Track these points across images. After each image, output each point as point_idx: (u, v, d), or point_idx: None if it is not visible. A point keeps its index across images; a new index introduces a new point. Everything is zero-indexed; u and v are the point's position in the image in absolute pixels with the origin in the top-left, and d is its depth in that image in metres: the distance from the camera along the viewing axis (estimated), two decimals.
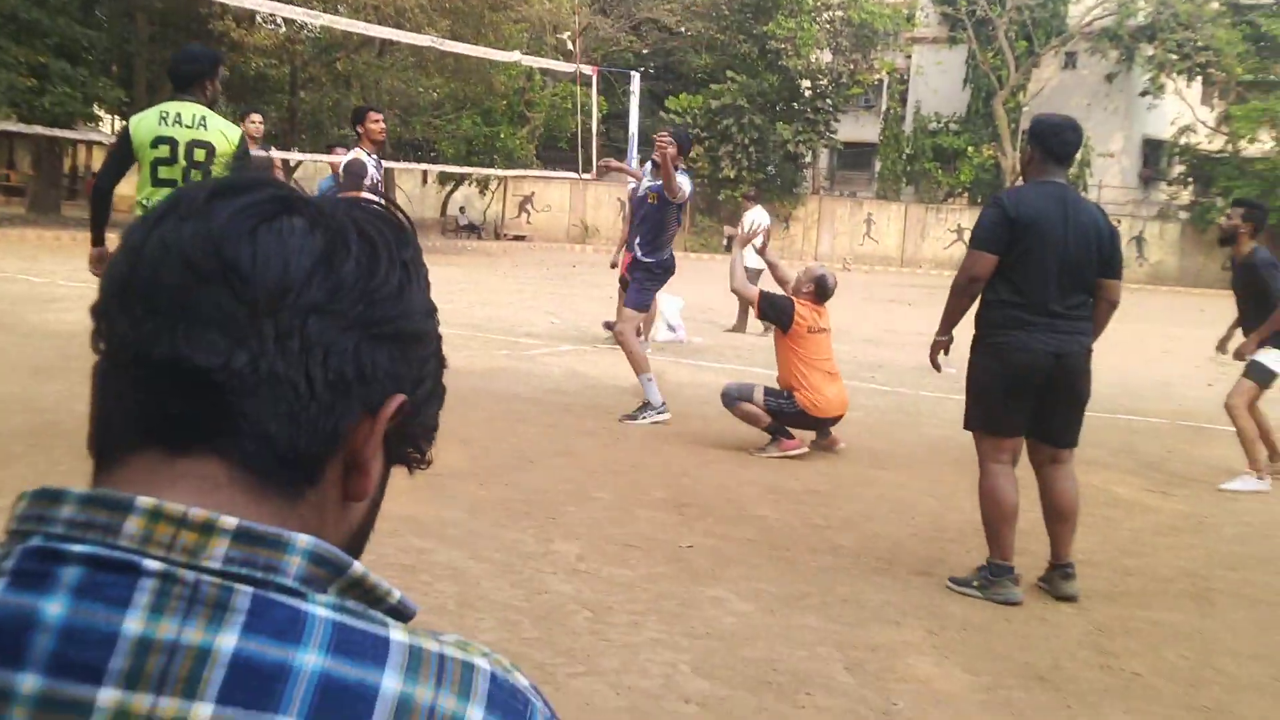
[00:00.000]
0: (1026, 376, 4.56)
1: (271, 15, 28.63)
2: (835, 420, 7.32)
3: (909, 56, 41.40)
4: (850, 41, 37.77)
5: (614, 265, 12.38)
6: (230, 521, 0.66)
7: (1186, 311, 24.89)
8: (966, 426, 4.87)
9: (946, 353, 5.18)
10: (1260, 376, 7.33)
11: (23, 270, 15.59)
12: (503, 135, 34.55)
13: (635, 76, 14.96)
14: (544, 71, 32.53)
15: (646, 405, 7.95)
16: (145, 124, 5.70)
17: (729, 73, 36.38)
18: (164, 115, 5.71)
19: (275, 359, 0.69)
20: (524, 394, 8.77)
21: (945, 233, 37.25)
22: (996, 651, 4.03)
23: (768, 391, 7.25)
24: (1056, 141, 4.68)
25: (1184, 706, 3.67)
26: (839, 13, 37.36)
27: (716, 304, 15.80)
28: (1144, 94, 37.36)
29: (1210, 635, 4.38)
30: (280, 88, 32.60)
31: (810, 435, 7.29)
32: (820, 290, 7.40)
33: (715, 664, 3.71)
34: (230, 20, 26.91)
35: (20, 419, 6.66)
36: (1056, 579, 4.71)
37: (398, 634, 0.68)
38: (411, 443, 0.81)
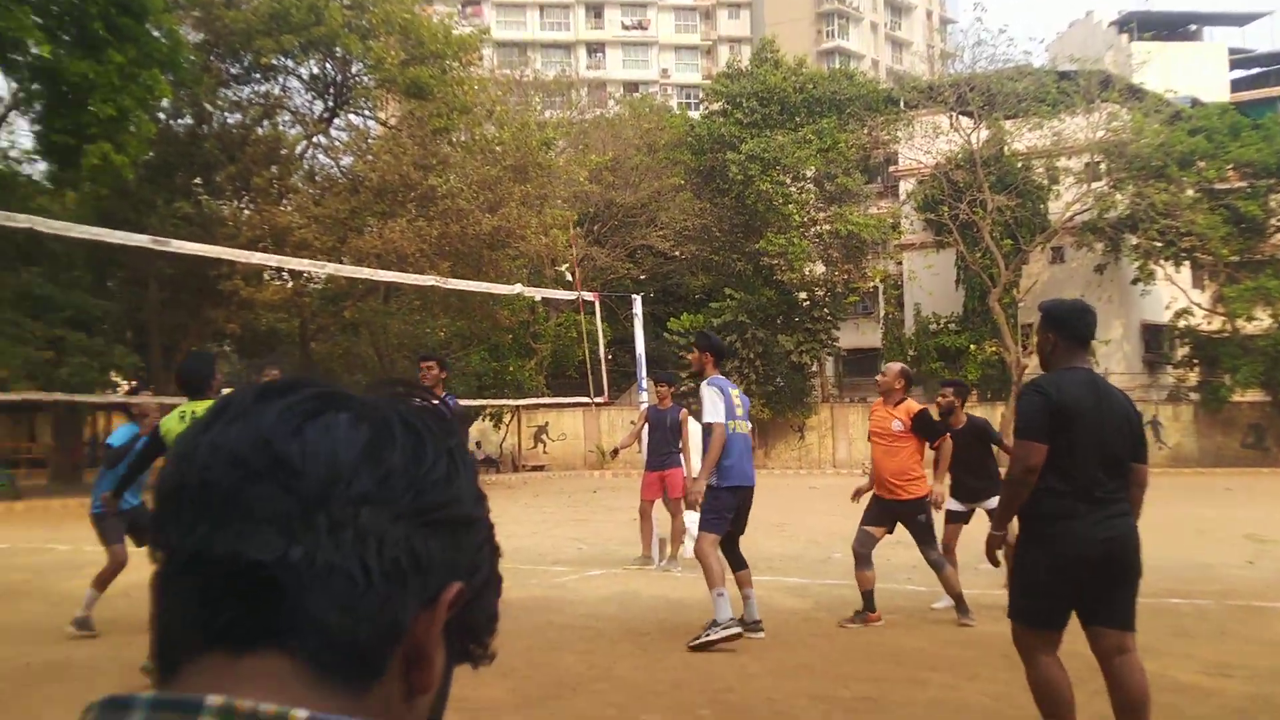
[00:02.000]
0: (1078, 568, 4.42)
1: (278, 271, 29.59)
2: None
3: (899, 263, 42.39)
4: (841, 252, 38.77)
5: (616, 453, 12.77)
6: (302, 714, 0.66)
7: (1212, 492, 24.62)
8: (1013, 618, 4.66)
9: (1000, 547, 5.03)
10: None
11: (49, 539, 15.59)
12: (511, 368, 35.10)
13: (637, 299, 15.23)
14: (547, 303, 33.30)
15: (713, 623, 7.55)
16: (170, 424, 6.68)
17: (727, 290, 37.22)
18: (183, 415, 6.68)
19: (330, 550, 0.70)
20: (559, 621, 8.62)
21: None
22: None
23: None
24: (1080, 325, 4.64)
25: None
26: (826, 227, 38.47)
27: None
28: (1135, 281, 38.01)
29: None
30: (292, 340, 33.35)
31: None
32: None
33: None
34: (239, 279, 27.71)
35: (54, 688, 6.61)
36: None
37: None
38: (472, 634, 0.80)
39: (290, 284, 31.08)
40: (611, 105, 45.53)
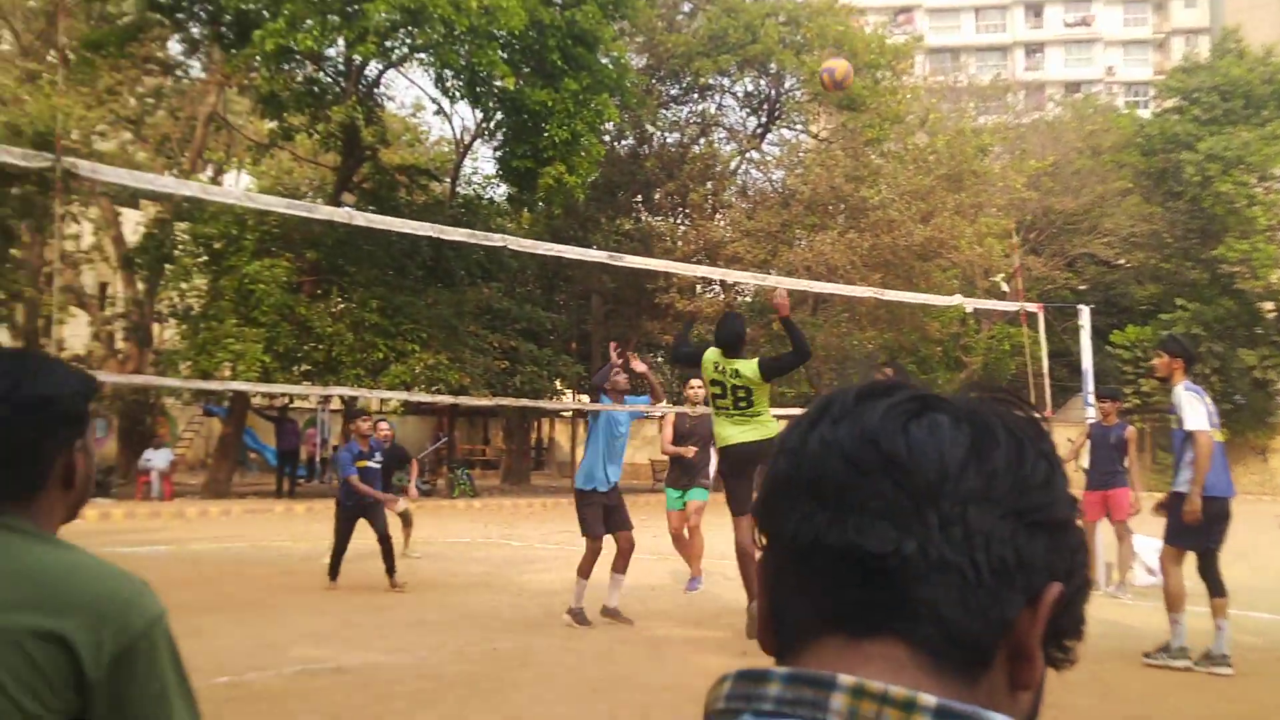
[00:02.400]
0: None
1: (711, 283, 30.62)
2: None
3: None
4: None
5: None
6: (930, 699, 0.68)
7: None
8: None
9: None
10: None
11: (504, 535, 16.91)
12: (940, 381, 34.34)
13: (1084, 310, 14.41)
14: (978, 315, 32.32)
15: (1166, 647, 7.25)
16: (710, 357, 8.38)
17: (1178, 300, 34.60)
18: (715, 364, 8.30)
19: (942, 545, 0.72)
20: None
21: None
22: None
23: None
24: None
25: None
26: None
27: None
28: None
29: None
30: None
31: None
32: None
33: None
34: (674, 292, 28.90)
35: (519, 672, 7.09)
36: None
37: None
38: (1060, 637, 0.79)
39: (722, 296, 32.05)
40: (1051, 107, 43.50)
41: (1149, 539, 11.80)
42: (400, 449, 13.54)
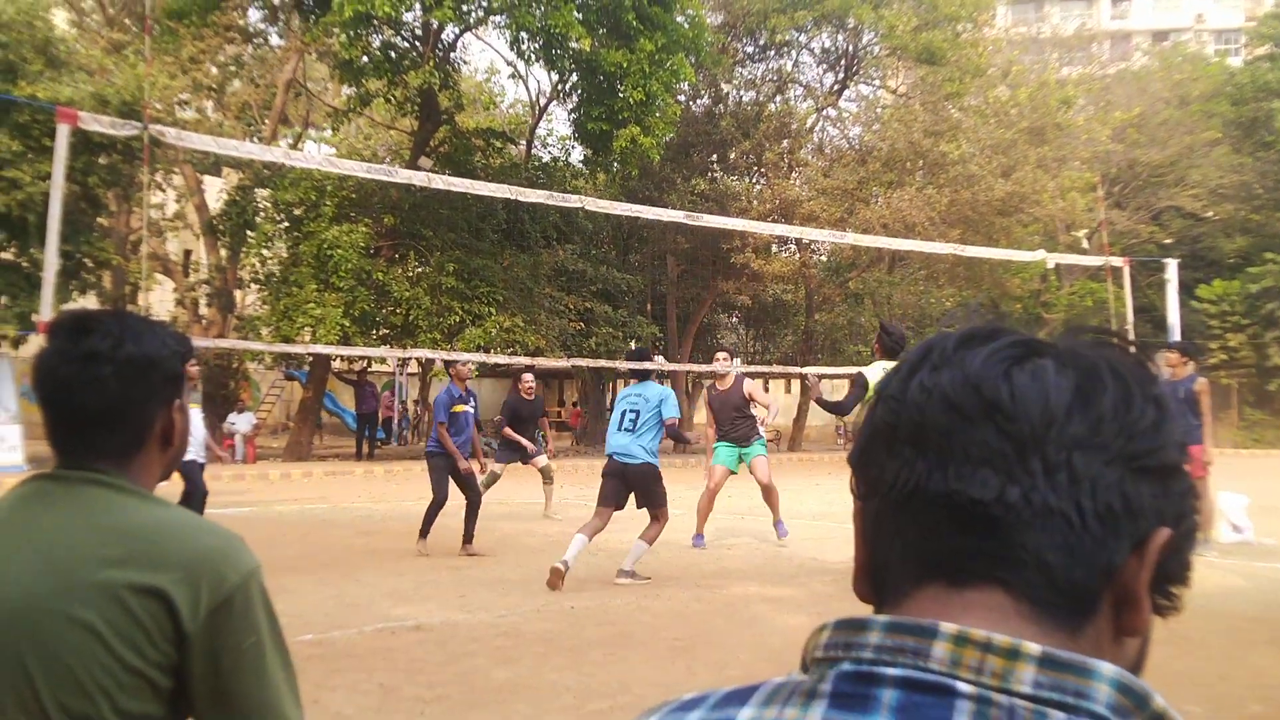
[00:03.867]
0: None
1: (786, 242, 30.41)
2: None
3: None
4: None
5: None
6: (1034, 648, 0.68)
7: None
8: None
9: None
10: None
11: (579, 497, 17.02)
12: None
13: (1171, 264, 14.08)
14: (1059, 271, 31.75)
15: None
16: (874, 377, 8.19)
17: (1267, 254, 33.65)
18: (885, 370, 7.49)
19: (1046, 492, 0.71)
20: None
21: None
22: None
23: None
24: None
25: None
26: None
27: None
28: None
29: None
30: (797, 311, 34.19)
31: None
32: None
33: None
34: (750, 252, 28.78)
35: (596, 630, 7.16)
36: None
37: None
38: (1166, 584, 0.78)
39: (798, 256, 31.84)
40: (1138, 56, 42.35)
41: (1234, 495, 11.59)
42: (539, 401, 13.86)
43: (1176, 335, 13.62)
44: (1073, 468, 0.71)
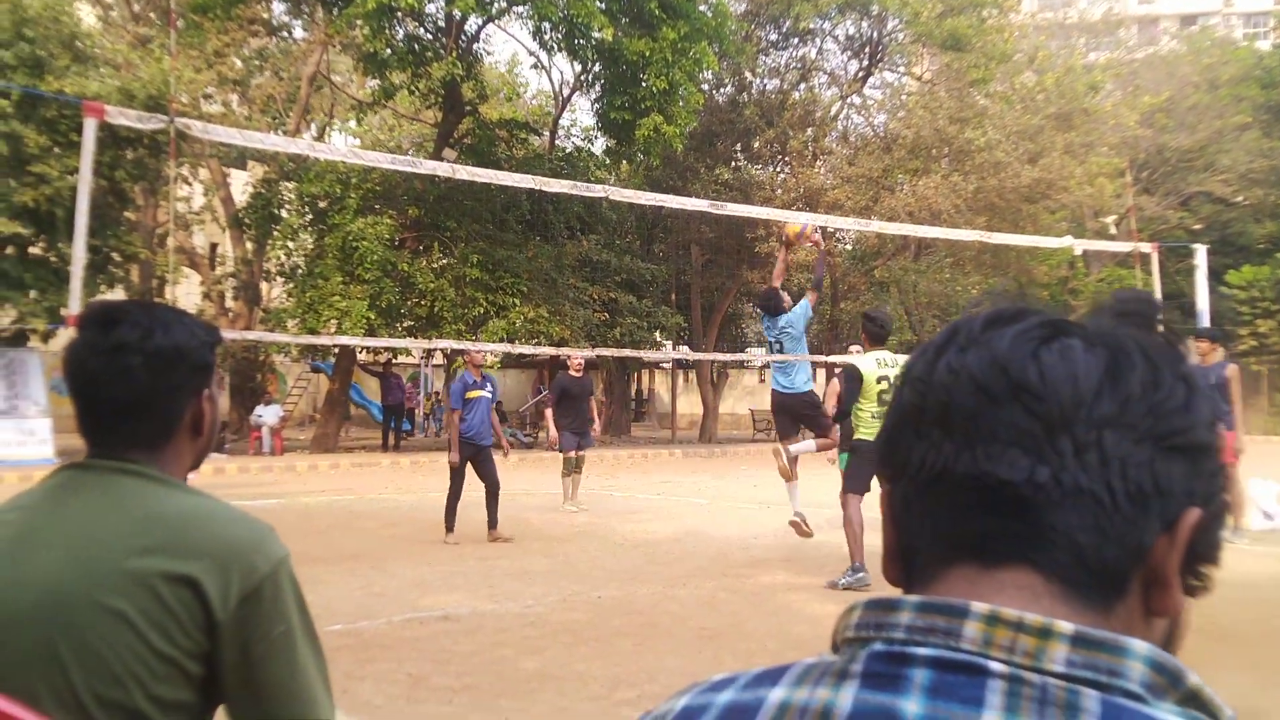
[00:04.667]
0: None
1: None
2: None
3: None
4: None
5: None
6: (1067, 627, 0.68)
7: None
8: None
9: None
10: None
11: (605, 486, 17.08)
12: None
13: (1200, 250, 13.96)
14: (1086, 258, 31.54)
15: None
16: (868, 368, 8.35)
17: None
18: (878, 360, 8.39)
19: (1076, 472, 0.71)
20: None
21: None
22: None
23: None
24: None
25: None
26: None
27: None
28: None
29: None
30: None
31: None
32: None
33: None
34: (774, 241, 28.68)
35: (622, 619, 7.17)
36: None
37: None
38: (1196, 564, 0.77)
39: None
40: (1165, 41, 42.00)
41: (1265, 482, 11.52)
42: (588, 380, 13.99)
43: (1205, 322, 13.50)
44: (1103, 448, 0.72)
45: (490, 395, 11.29)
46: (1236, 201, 36.53)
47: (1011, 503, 0.72)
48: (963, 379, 0.75)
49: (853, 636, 0.74)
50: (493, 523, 10.87)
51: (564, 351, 20.54)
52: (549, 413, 14.15)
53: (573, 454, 13.74)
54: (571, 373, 13.97)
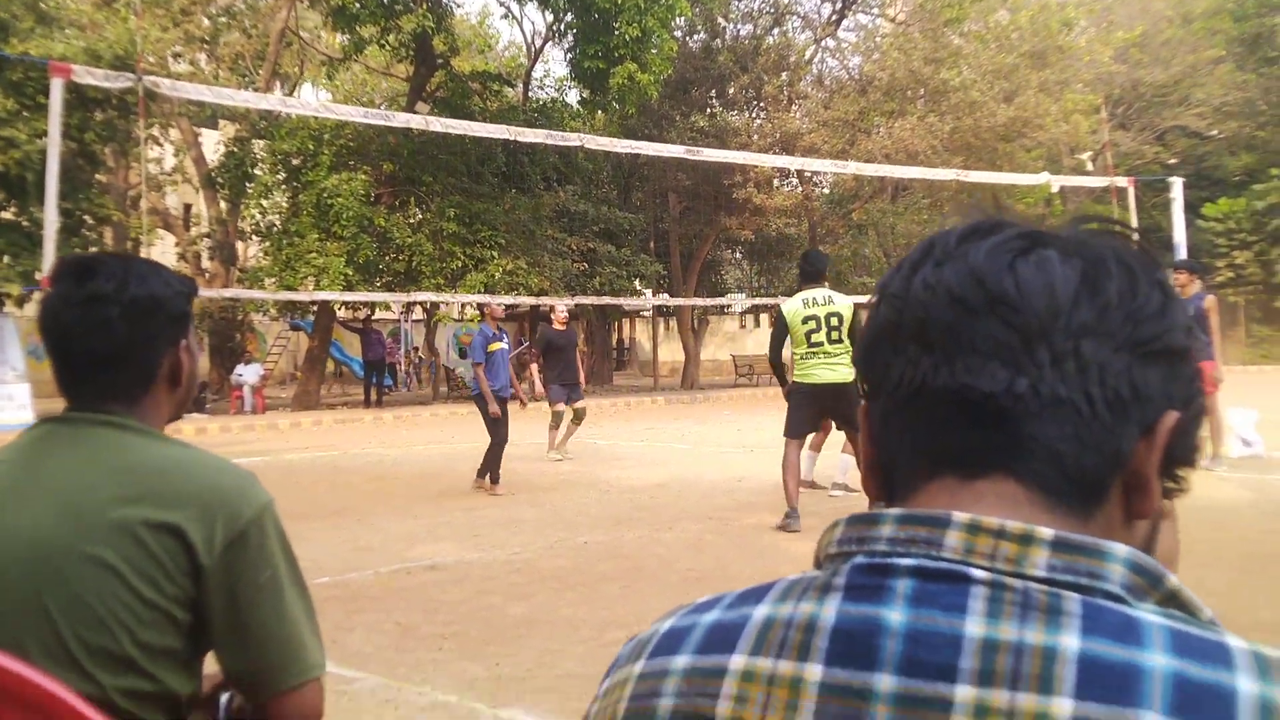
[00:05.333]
0: None
1: (788, 175, 30.23)
2: None
3: None
4: None
5: None
6: (1047, 532, 0.69)
7: None
8: None
9: None
10: None
11: (589, 435, 17.12)
12: None
13: (1176, 183, 14.01)
14: (1065, 195, 31.56)
15: None
16: (791, 308, 8.08)
17: (1273, 170, 33.41)
18: (805, 300, 8.08)
19: (1055, 382, 0.72)
20: None
21: None
22: None
23: None
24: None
25: None
26: None
27: None
28: None
29: None
30: (800, 244, 34.08)
31: None
32: None
33: None
34: (751, 186, 28.62)
35: (609, 564, 7.23)
36: None
37: (1233, 640, 0.68)
38: (1179, 464, 0.79)
39: (800, 189, 31.66)
40: None
41: (1243, 410, 11.65)
42: (572, 332, 13.97)
43: (1183, 254, 13.57)
44: (1080, 356, 0.72)
45: (507, 347, 11.35)
46: (1212, 135, 36.56)
47: (991, 414, 0.73)
48: (939, 293, 0.75)
49: (835, 552, 0.75)
50: (494, 477, 10.90)
51: (545, 301, 20.54)
52: (534, 366, 14.10)
53: (561, 406, 13.75)
54: (556, 325, 13.91)
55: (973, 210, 0.82)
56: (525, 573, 7.01)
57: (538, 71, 32.34)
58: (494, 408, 10.82)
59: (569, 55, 25.55)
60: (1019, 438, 0.72)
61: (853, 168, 17.05)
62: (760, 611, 0.74)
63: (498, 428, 10.86)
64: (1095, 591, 0.68)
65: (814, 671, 0.69)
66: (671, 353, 37.36)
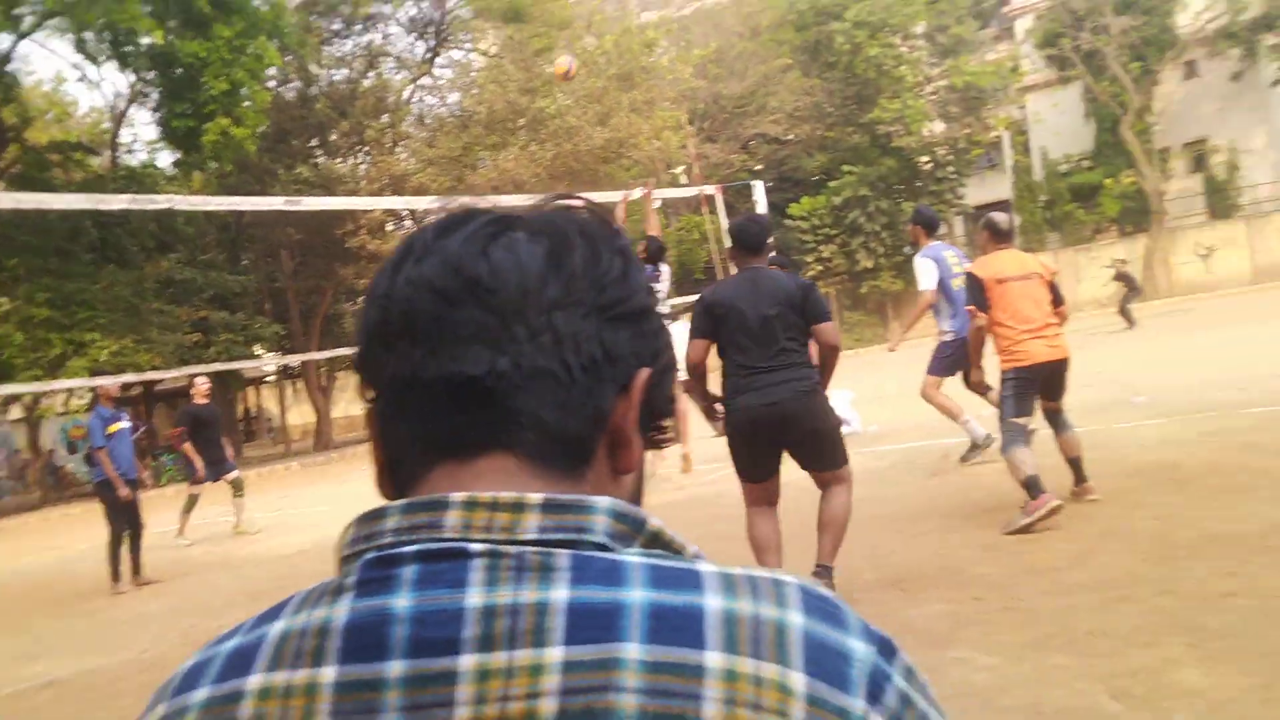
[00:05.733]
0: (752, 431, 5.32)
1: (400, 218, 30.07)
2: (1053, 369, 6.68)
3: (1022, 107, 40.92)
4: (960, 107, 37.57)
5: None
6: (536, 497, 0.73)
7: None
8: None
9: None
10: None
11: (220, 513, 16.31)
12: None
13: (758, 185, 15.05)
14: (667, 209, 33.14)
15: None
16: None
17: (845, 167, 36.46)
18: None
19: (534, 356, 0.76)
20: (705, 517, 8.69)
21: (1101, 270, 36.03)
22: (1266, 650, 3.72)
23: (1002, 409, 6.77)
24: (744, 236, 5.48)
25: None
26: (942, 82, 37.30)
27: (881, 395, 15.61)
28: (1276, 84, 35.95)
29: None
30: None
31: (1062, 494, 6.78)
32: (992, 231, 7.04)
33: (974, 719, 3.53)
34: (364, 234, 28.26)
35: None
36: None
37: (706, 565, 0.74)
38: (658, 414, 0.85)
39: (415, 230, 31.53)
40: None
41: (839, 391, 12.61)
42: (215, 406, 13.07)
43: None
44: (555, 329, 0.77)
45: (128, 426, 10.65)
46: (789, 139, 39.42)
47: (480, 396, 0.76)
48: (420, 287, 0.77)
49: (349, 553, 0.76)
50: (136, 567, 10.23)
51: (149, 378, 19.41)
52: (187, 446, 13.16)
53: (198, 491, 13.02)
54: (199, 400, 13.16)
55: (449, 203, 0.87)
56: (158, 669, 6.62)
57: (125, 136, 30.66)
58: (124, 491, 10.18)
59: (157, 115, 24.36)
60: (508, 413, 0.76)
61: (459, 203, 17.16)
62: (277, 627, 0.74)
63: (120, 516, 10.22)
64: (584, 544, 0.72)
65: (328, 674, 0.69)
66: (303, 415, 36.25)
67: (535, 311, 0.76)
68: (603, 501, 0.75)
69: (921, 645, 4.45)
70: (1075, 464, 6.92)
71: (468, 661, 0.68)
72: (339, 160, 31.53)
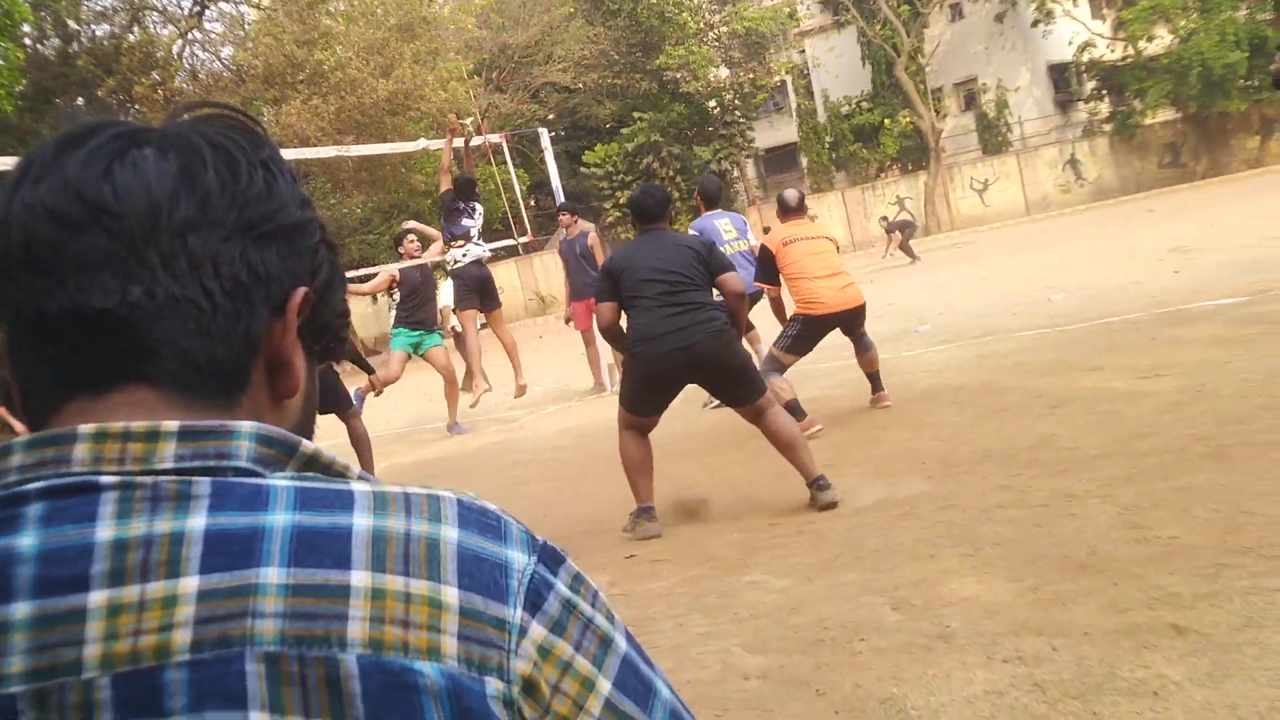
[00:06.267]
0: (661, 374, 5.59)
1: None
2: (848, 317, 7.46)
3: (803, 51, 41.97)
4: (742, 53, 38.28)
5: (568, 320, 12.42)
6: (172, 425, 0.70)
7: (1136, 216, 25.21)
8: (620, 404, 5.89)
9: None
10: None
11: None
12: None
13: (544, 133, 15.03)
14: (460, 160, 32.67)
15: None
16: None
17: (635, 114, 36.73)
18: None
19: (168, 282, 0.72)
20: (522, 459, 8.76)
21: (887, 206, 37.50)
22: (1033, 555, 4.03)
23: (777, 340, 7.52)
24: (642, 207, 5.79)
25: (1225, 551, 3.67)
26: (724, 28, 37.85)
27: None
28: (1035, 24, 37.87)
29: (1235, 486, 4.36)
30: None
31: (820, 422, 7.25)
32: (781, 206, 7.78)
33: (767, 639, 3.71)
34: None
35: None
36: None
37: (360, 485, 0.73)
38: (326, 332, 0.83)
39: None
40: None
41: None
42: None
43: (562, 198, 14.51)
44: (190, 253, 0.72)
45: None
46: (578, 88, 39.42)
47: (113, 327, 0.71)
48: (38, 212, 0.71)
49: None
50: None
51: None
52: None
53: None
54: None
55: (73, 117, 0.77)
56: None
57: None
58: None
59: None
60: (144, 344, 0.72)
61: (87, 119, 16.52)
62: None
63: None
64: (226, 471, 0.70)
65: None
66: None
67: (167, 236, 0.72)
68: (245, 426, 0.72)
69: (718, 571, 4.64)
70: (874, 378, 7.68)
71: (98, 598, 0.65)
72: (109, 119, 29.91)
